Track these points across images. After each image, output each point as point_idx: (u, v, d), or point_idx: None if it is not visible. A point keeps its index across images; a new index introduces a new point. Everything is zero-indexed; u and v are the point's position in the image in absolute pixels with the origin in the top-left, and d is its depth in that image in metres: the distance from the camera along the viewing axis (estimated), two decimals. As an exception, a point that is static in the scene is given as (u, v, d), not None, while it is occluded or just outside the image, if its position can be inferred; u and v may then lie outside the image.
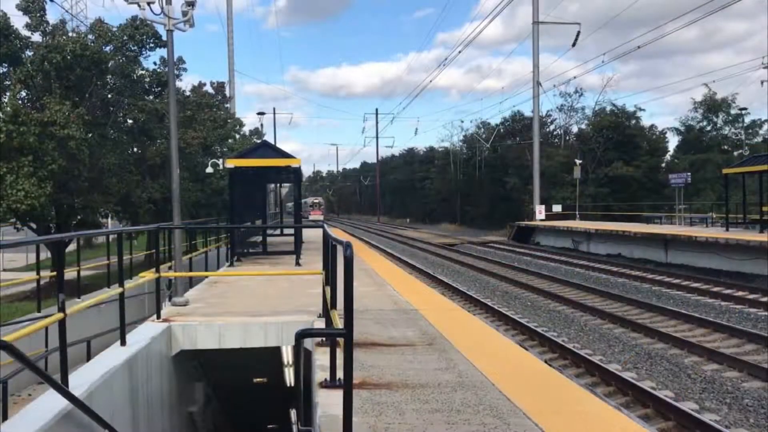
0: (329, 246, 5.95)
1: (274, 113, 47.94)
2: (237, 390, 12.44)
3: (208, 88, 34.03)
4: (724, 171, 25.78)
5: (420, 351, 6.32)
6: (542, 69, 47.46)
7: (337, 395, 4.20)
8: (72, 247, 27.14)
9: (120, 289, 6.70)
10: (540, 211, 38.20)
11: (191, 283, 11.68)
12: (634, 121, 49.88)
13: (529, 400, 4.72)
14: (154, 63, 28.08)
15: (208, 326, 7.81)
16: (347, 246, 3.54)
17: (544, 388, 5.05)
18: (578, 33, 37.96)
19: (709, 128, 51.18)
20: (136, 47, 23.16)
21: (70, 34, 21.34)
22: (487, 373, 5.46)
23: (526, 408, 4.56)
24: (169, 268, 12.91)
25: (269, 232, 19.96)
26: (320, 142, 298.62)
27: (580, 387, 5.08)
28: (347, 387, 3.27)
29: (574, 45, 38.60)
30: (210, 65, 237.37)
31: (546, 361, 5.92)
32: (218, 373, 10.58)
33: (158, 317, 7.92)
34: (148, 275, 8.65)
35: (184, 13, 12.74)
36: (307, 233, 19.44)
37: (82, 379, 5.41)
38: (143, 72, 24.72)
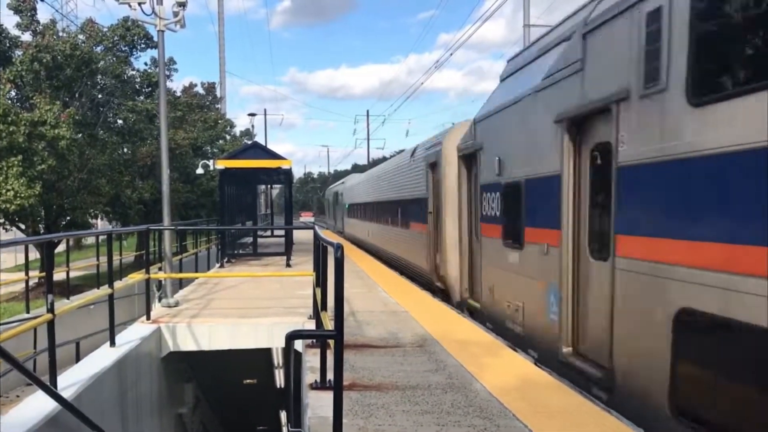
0: (320, 248, 5.96)
1: (265, 114, 47.80)
2: (227, 391, 12.42)
3: (200, 89, 33.93)
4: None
5: (410, 352, 6.34)
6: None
7: (328, 397, 4.21)
8: (61, 247, 27.02)
9: (109, 290, 6.68)
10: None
11: (181, 284, 11.64)
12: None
13: (518, 402, 4.75)
14: (145, 63, 28.04)
15: (197, 327, 7.80)
16: (338, 248, 3.55)
17: (534, 389, 5.08)
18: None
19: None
20: (127, 48, 23.13)
21: (60, 34, 21.24)
22: (477, 375, 5.48)
23: (516, 409, 4.58)
24: (159, 269, 12.88)
25: (260, 233, 19.93)
26: (314, 143, 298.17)
27: (570, 389, 5.11)
28: (337, 388, 3.28)
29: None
30: (210, 66, 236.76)
31: (536, 363, 5.95)
32: (208, 374, 10.56)
33: (148, 318, 7.91)
34: (138, 276, 8.61)
35: (175, 14, 12.71)
36: (297, 234, 19.44)
37: (70, 381, 5.39)
38: (134, 72, 24.66)
